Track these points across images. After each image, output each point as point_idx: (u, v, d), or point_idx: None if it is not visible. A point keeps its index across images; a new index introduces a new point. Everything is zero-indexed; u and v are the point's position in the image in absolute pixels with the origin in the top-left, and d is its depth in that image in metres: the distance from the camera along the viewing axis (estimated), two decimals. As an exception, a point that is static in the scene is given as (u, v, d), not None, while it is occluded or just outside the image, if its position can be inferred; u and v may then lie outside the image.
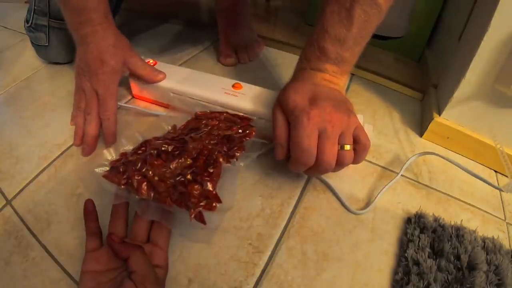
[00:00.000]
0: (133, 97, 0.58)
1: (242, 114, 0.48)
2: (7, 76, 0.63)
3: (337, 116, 0.37)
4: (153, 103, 0.56)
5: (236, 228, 0.39)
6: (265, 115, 0.47)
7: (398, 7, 0.66)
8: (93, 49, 0.46)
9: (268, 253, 0.38)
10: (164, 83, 0.52)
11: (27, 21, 0.60)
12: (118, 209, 0.35)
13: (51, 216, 0.40)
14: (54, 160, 0.47)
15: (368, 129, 0.45)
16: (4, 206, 0.41)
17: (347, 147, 0.37)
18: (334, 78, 0.41)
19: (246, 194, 0.43)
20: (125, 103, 0.56)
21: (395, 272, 0.36)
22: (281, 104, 0.40)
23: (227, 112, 0.48)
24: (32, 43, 0.63)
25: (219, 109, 0.49)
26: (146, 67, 0.51)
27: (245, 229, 0.39)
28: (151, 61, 0.56)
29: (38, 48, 0.63)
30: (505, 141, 0.46)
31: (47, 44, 0.61)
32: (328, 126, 0.36)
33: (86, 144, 0.47)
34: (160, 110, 0.54)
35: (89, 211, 0.34)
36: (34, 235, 0.38)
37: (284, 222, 0.41)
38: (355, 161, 0.39)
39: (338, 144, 0.37)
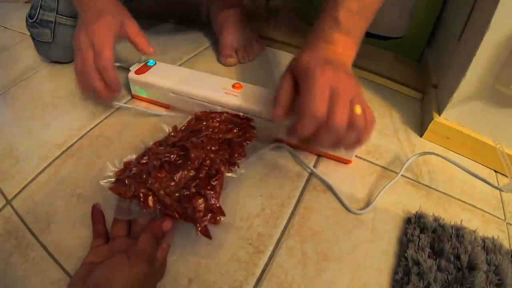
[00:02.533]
0: (132, 97, 0.58)
1: (242, 114, 0.48)
2: (7, 76, 0.63)
3: (349, 81, 0.36)
4: (153, 103, 0.56)
5: (236, 228, 0.39)
6: (265, 114, 0.47)
7: (398, 7, 0.66)
8: (93, 8, 0.47)
9: (268, 253, 0.38)
10: (164, 83, 0.52)
11: (30, 17, 0.60)
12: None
13: (51, 216, 0.40)
14: (54, 160, 0.47)
15: None
16: (4, 206, 0.41)
17: (359, 109, 0.35)
18: (344, 52, 0.40)
19: (246, 194, 0.43)
20: (125, 103, 0.56)
21: (395, 272, 0.36)
22: (292, 66, 0.39)
23: (227, 112, 0.48)
24: (33, 39, 0.63)
25: (219, 109, 0.49)
26: (141, 35, 0.51)
27: (245, 229, 0.39)
28: (151, 61, 0.56)
29: (41, 45, 0.62)
30: (505, 141, 0.46)
31: (51, 41, 0.61)
32: (340, 86, 0.35)
33: (104, 97, 0.48)
34: (160, 110, 0.54)
35: (96, 214, 0.36)
36: (34, 235, 0.38)
37: (284, 222, 0.41)
38: (361, 137, 0.37)
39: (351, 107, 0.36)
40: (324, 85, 0.35)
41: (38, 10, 0.59)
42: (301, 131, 0.36)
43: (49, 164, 0.46)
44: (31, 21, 0.60)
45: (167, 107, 0.55)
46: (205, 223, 0.34)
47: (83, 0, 0.49)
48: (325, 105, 0.35)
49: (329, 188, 0.45)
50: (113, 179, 0.37)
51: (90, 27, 0.46)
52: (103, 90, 0.47)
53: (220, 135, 0.44)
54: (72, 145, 0.49)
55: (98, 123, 0.52)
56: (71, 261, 0.36)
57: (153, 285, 0.32)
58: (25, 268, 0.35)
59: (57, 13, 0.59)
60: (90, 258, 0.33)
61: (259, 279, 0.35)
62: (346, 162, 0.48)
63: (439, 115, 0.52)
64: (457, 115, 0.50)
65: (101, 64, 0.46)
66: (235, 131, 0.45)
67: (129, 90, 0.57)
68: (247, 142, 0.44)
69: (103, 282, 0.28)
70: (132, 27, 0.50)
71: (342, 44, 0.40)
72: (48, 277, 0.35)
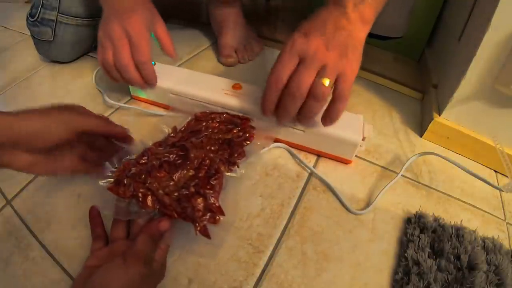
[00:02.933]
0: (131, 98, 0.58)
1: (242, 114, 0.48)
2: (7, 76, 0.63)
3: (322, 50, 0.35)
4: (153, 104, 0.56)
5: (236, 228, 0.39)
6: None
7: (398, 7, 0.66)
8: (126, 1, 0.45)
9: (268, 253, 0.38)
10: (163, 84, 0.52)
11: (31, 15, 0.60)
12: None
13: (51, 216, 0.40)
14: (54, 160, 0.47)
15: (368, 129, 0.45)
16: (4, 206, 0.41)
17: (325, 81, 0.35)
18: (350, 25, 0.38)
19: (246, 194, 0.43)
20: (125, 103, 0.56)
21: (395, 272, 0.36)
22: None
23: (227, 113, 0.48)
24: (34, 38, 0.63)
25: (219, 109, 0.49)
26: (169, 37, 0.51)
27: (245, 229, 0.39)
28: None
29: (41, 44, 0.62)
30: (505, 141, 0.46)
31: (51, 40, 0.61)
32: (308, 55, 0.35)
33: (144, 87, 0.48)
34: (159, 110, 0.54)
35: (94, 217, 0.36)
36: (34, 235, 0.38)
37: (284, 222, 0.41)
38: (327, 113, 0.37)
39: (317, 76, 0.35)
40: (290, 53, 0.35)
41: (39, 8, 0.59)
42: (264, 99, 0.37)
43: (49, 164, 0.46)
44: (32, 20, 0.60)
45: (166, 107, 0.55)
46: (204, 222, 0.34)
47: None
48: (285, 73, 0.35)
49: (329, 188, 0.45)
50: (112, 179, 0.37)
51: (126, 19, 0.44)
52: (141, 83, 0.47)
53: (220, 135, 0.44)
54: (72, 145, 0.49)
55: (98, 123, 0.52)
56: (71, 261, 0.36)
57: (153, 286, 0.32)
58: (25, 268, 0.35)
59: (58, 12, 0.59)
60: (91, 261, 0.33)
61: (259, 279, 0.35)
62: (346, 162, 0.48)
63: (439, 115, 0.52)
64: (457, 115, 0.50)
65: (140, 58, 0.45)
66: (235, 131, 0.45)
67: (128, 90, 0.57)
68: (246, 142, 0.44)
69: (100, 286, 0.28)
70: (162, 27, 0.50)
71: (351, 14, 0.38)
72: (48, 277, 0.35)
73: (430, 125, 0.52)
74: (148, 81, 0.48)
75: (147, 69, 0.46)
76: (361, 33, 0.39)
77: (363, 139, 0.44)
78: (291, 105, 0.38)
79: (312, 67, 0.35)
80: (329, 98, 0.38)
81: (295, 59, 0.36)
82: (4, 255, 0.36)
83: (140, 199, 0.35)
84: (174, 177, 0.37)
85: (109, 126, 0.36)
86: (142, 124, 0.52)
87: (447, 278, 0.35)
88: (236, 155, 0.41)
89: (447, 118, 0.51)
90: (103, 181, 0.36)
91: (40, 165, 0.32)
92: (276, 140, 0.49)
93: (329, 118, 0.40)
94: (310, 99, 0.37)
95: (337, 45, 0.37)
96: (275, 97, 0.37)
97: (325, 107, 0.40)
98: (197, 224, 0.34)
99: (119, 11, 0.45)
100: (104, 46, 0.45)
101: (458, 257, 0.36)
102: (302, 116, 0.39)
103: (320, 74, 0.36)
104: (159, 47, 0.50)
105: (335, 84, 0.37)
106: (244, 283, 0.35)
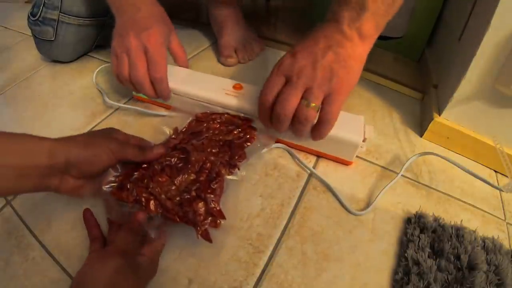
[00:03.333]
0: (132, 97, 0.58)
1: (242, 115, 0.48)
2: (7, 76, 0.63)
3: (308, 70, 0.35)
4: (153, 104, 0.56)
5: (236, 228, 0.39)
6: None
7: (398, 7, 0.66)
8: (145, 12, 0.45)
9: (268, 253, 0.38)
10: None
11: (33, 15, 0.60)
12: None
13: (51, 216, 0.40)
14: (54, 160, 0.47)
15: (369, 130, 0.45)
16: (4, 206, 0.41)
17: (311, 104, 0.35)
18: (346, 41, 0.37)
19: (246, 194, 0.43)
20: (125, 103, 0.56)
21: (395, 272, 0.36)
22: None
23: (227, 113, 0.48)
24: (35, 38, 0.63)
25: (220, 109, 0.49)
26: (183, 50, 0.51)
27: (245, 229, 0.39)
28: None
29: (42, 43, 0.63)
30: (505, 141, 0.46)
31: (52, 39, 0.61)
32: (294, 76, 0.35)
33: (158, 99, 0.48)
34: (160, 111, 0.54)
35: (88, 219, 0.37)
36: (34, 235, 0.38)
37: (284, 222, 0.41)
38: (314, 132, 0.37)
39: (302, 99, 0.35)
40: (277, 74, 0.35)
41: (41, 8, 0.59)
42: (259, 115, 0.39)
43: (49, 164, 0.46)
44: (33, 19, 0.60)
45: (167, 107, 0.55)
46: (206, 226, 0.35)
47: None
48: (272, 94, 0.35)
49: (329, 188, 0.45)
50: (115, 184, 0.37)
51: (145, 33, 0.44)
52: (154, 97, 0.48)
53: (221, 137, 0.44)
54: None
55: (98, 123, 0.52)
56: (71, 261, 0.36)
57: (143, 282, 0.32)
58: (25, 268, 0.35)
59: (60, 12, 0.59)
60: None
61: (259, 279, 0.35)
62: (347, 163, 0.48)
63: (439, 115, 0.52)
64: (457, 115, 0.50)
65: (156, 75, 0.45)
66: (235, 132, 0.45)
67: (128, 90, 0.57)
68: (247, 143, 0.44)
69: (81, 281, 0.29)
70: (177, 40, 0.51)
71: (347, 28, 0.37)
72: (48, 277, 0.35)
73: (430, 125, 0.52)
74: (162, 97, 0.49)
75: (162, 85, 0.47)
76: (359, 48, 0.38)
77: (364, 140, 0.44)
78: (279, 125, 0.38)
79: (297, 88, 0.35)
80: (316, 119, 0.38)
81: (282, 80, 0.36)
82: (4, 255, 0.36)
83: (143, 203, 0.36)
84: (175, 182, 0.37)
85: (143, 156, 0.38)
86: (142, 124, 0.52)
87: (447, 278, 0.35)
88: (236, 157, 0.41)
89: (447, 118, 0.51)
90: (107, 186, 0.37)
91: (84, 188, 0.35)
92: (277, 141, 0.49)
93: (317, 136, 0.40)
94: (295, 122, 0.37)
95: (326, 65, 0.36)
96: (266, 115, 0.38)
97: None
98: (198, 228, 0.34)
99: (137, 24, 0.44)
100: (120, 58, 0.44)
101: (458, 257, 0.36)
102: (293, 133, 0.40)
103: (305, 96, 0.35)
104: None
105: (322, 105, 0.36)
106: (244, 283, 0.35)
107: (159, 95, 0.48)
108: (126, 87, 0.49)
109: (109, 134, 0.38)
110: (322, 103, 0.36)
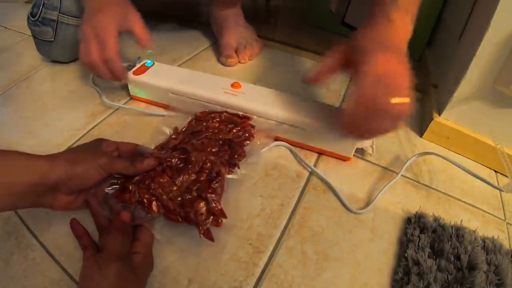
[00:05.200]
0: (131, 98, 0.57)
1: (241, 113, 0.48)
2: (7, 76, 0.63)
3: (398, 70, 0.36)
4: (152, 104, 0.56)
5: (236, 228, 0.39)
6: (264, 113, 0.47)
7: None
8: (97, 1, 0.47)
9: (268, 253, 0.38)
10: (163, 84, 0.52)
11: (32, 15, 0.60)
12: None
13: (51, 216, 0.40)
14: (54, 160, 0.47)
15: None
16: (4, 206, 0.41)
17: (393, 99, 0.36)
18: (402, 30, 0.40)
19: (246, 194, 0.43)
20: (124, 103, 0.56)
21: (395, 272, 0.36)
22: (350, 44, 0.40)
23: (226, 112, 0.48)
24: (35, 38, 0.63)
25: (219, 108, 0.49)
26: (143, 28, 0.51)
27: (245, 229, 0.39)
28: (149, 61, 0.56)
29: (42, 43, 0.62)
30: (505, 141, 0.46)
31: (52, 39, 0.61)
32: (388, 75, 0.36)
33: (112, 80, 0.49)
34: (159, 110, 0.54)
35: (76, 228, 0.36)
36: (34, 235, 0.38)
37: (284, 222, 0.41)
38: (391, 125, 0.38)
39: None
40: (376, 72, 0.36)
41: (40, 8, 0.59)
42: (354, 114, 0.38)
43: (49, 164, 0.46)
44: (33, 19, 0.60)
45: (166, 107, 0.55)
46: (208, 225, 0.35)
47: None
48: (373, 91, 0.36)
49: (329, 187, 0.45)
50: (117, 186, 0.37)
51: (94, 18, 0.46)
52: (110, 79, 0.49)
53: (221, 136, 0.44)
54: (72, 145, 0.49)
55: (98, 123, 0.52)
56: (71, 261, 0.36)
57: (143, 277, 0.32)
58: (25, 268, 0.35)
59: (59, 12, 0.59)
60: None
61: (259, 279, 0.35)
62: (345, 159, 0.48)
63: (439, 115, 0.52)
64: (457, 115, 0.50)
65: (106, 56, 0.46)
66: (234, 130, 0.45)
67: (128, 90, 0.57)
68: (247, 142, 0.44)
69: None
70: (136, 20, 0.50)
71: (401, 22, 0.40)
72: (48, 277, 0.35)
73: (430, 125, 0.52)
74: (117, 77, 0.49)
75: (114, 65, 0.47)
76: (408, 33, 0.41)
77: (372, 144, 0.44)
78: (374, 123, 0.37)
79: (390, 89, 0.36)
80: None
81: (378, 77, 0.36)
82: (4, 255, 0.36)
83: (146, 205, 0.36)
84: (177, 182, 0.37)
85: (134, 169, 0.37)
86: (141, 124, 0.52)
87: (447, 278, 0.35)
88: (236, 156, 0.41)
89: (447, 118, 0.51)
90: (109, 188, 0.37)
91: (76, 203, 0.35)
92: (276, 139, 0.49)
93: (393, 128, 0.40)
94: (385, 118, 0.37)
95: (401, 58, 0.37)
96: (363, 114, 0.37)
97: None
98: (200, 228, 0.34)
99: (89, 12, 0.47)
100: (81, 46, 0.47)
101: (458, 257, 0.36)
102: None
103: (392, 93, 0.36)
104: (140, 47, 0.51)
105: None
106: (244, 283, 0.35)
107: (114, 74, 0.48)
108: (120, 85, 0.48)
109: (97, 146, 0.38)
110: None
